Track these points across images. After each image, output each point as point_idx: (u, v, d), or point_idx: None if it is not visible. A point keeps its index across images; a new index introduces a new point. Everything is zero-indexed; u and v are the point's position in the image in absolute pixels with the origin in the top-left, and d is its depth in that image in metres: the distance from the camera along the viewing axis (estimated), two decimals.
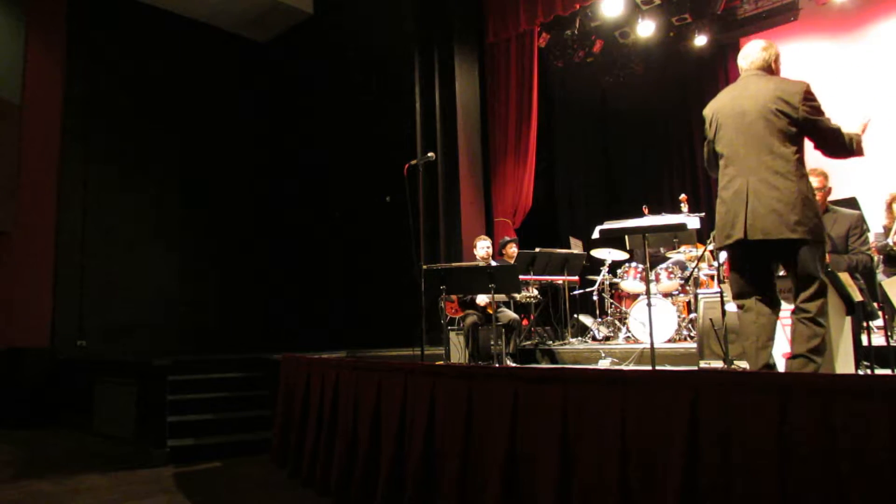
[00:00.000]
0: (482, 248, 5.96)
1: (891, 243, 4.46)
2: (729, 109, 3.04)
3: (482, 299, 5.59)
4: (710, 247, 4.77)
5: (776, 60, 3.10)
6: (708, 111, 3.20)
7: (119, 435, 5.49)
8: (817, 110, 2.88)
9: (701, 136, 3.42)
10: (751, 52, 3.10)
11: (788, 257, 2.85)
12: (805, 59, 7.88)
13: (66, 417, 6.40)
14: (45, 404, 6.52)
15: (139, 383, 5.32)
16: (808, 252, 2.80)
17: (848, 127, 2.96)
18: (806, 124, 2.86)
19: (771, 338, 2.92)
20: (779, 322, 3.12)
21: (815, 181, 3.70)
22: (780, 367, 3.07)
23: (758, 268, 2.96)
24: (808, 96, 2.87)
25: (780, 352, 3.32)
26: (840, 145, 2.91)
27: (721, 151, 3.07)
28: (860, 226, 3.76)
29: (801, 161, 2.88)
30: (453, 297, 5.72)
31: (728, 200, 2.97)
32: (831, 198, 3.95)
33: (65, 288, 7.35)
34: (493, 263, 5.74)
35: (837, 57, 7.70)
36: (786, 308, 3.09)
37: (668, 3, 7.87)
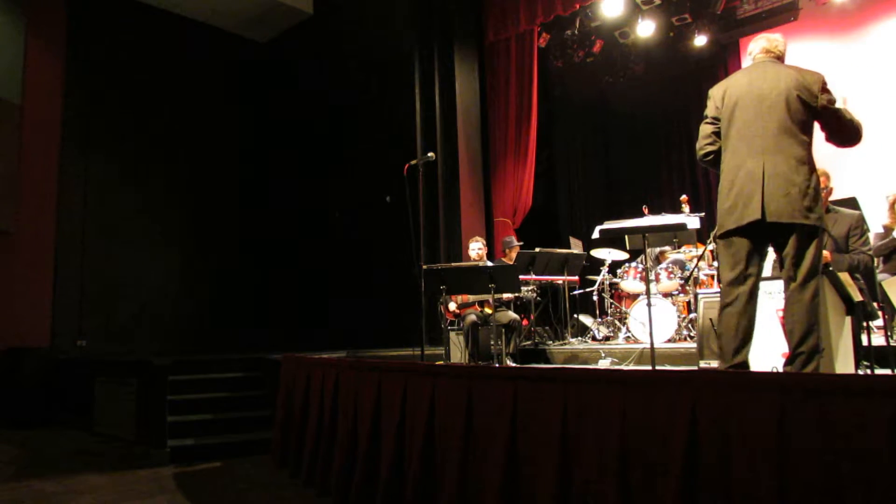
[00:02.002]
0: (474, 248, 5.98)
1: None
2: (745, 91, 3.00)
3: (452, 307, 5.72)
4: (711, 246, 4.77)
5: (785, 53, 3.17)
6: (718, 91, 3.14)
7: (119, 435, 5.49)
8: (833, 102, 2.91)
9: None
10: (774, 40, 3.12)
11: (794, 243, 2.82)
12: (805, 59, 7.87)
13: (66, 417, 6.40)
14: (45, 404, 6.52)
15: (139, 383, 5.32)
16: (817, 240, 2.82)
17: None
18: (825, 113, 2.89)
19: (750, 333, 2.90)
20: (777, 319, 3.11)
21: None
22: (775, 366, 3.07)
23: (756, 253, 2.94)
24: (826, 87, 2.91)
25: (780, 352, 3.32)
26: (855, 133, 2.95)
27: (732, 133, 3.01)
28: (860, 226, 3.77)
29: (811, 150, 2.91)
30: (452, 306, 5.75)
31: (740, 181, 2.91)
32: (832, 198, 3.96)
33: (65, 288, 7.35)
34: (489, 263, 5.75)
35: (837, 57, 7.70)
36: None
37: (668, 3, 7.87)
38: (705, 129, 3.15)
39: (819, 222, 2.81)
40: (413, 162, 4.89)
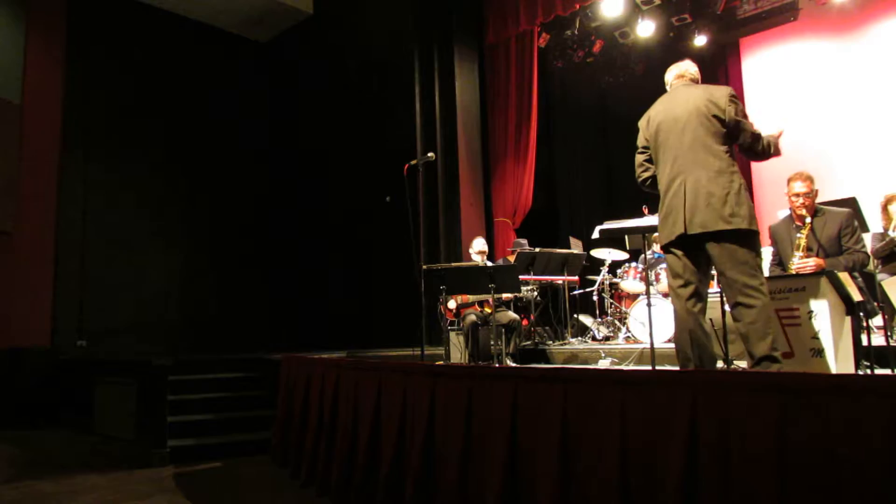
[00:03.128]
0: (476, 248, 5.99)
1: (892, 234, 4.46)
2: (664, 117, 3.23)
3: (452, 305, 5.70)
4: None
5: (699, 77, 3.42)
6: (643, 121, 3.40)
7: (119, 435, 5.49)
8: (742, 113, 3.09)
9: None
10: (686, 66, 3.40)
11: (724, 249, 2.95)
12: (805, 59, 7.87)
13: (66, 417, 6.40)
14: (45, 404, 6.52)
15: (139, 383, 5.32)
16: (749, 240, 2.94)
17: (766, 132, 3.17)
18: (732, 125, 3.05)
19: (704, 337, 3.05)
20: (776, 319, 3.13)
21: (801, 186, 3.74)
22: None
23: (693, 262, 3.08)
24: (734, 99, 3.10)
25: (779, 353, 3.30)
26: (760, 149, 3.11)
27: (660, 157, 3.23)
28: (851, 223, 3.74)
29: (732, 158, 3.07)
30: (452, 304, 5.75)
31: (668, 199, 3.12)
32: (820, 199, 3.92)
33: (65, 288, 7.35)
34: (489, 263, 5.76)
35: (837, 57, 7.69)
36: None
37: (668, 3, 7.87)
38: (637, 158, 3.42)
39: (745, 224, 2.92)
40: (413, 162, 4.89)
